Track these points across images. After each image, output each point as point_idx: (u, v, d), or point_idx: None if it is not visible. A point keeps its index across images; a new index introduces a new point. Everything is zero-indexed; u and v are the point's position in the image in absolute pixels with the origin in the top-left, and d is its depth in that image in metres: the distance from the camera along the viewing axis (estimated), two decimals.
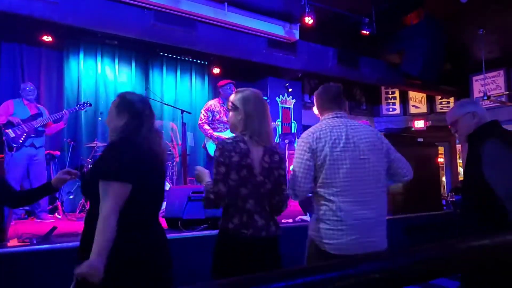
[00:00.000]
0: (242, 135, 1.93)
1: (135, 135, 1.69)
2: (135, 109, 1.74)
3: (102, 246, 1.47)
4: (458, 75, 9.86)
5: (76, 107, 5.16)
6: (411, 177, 2.14)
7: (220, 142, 1.92)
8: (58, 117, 4.88)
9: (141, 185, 1.63)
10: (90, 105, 5.24)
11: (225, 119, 5.42)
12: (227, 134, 5.44)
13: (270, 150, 1.95)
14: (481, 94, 9.31)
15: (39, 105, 4.99)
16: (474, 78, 10.03)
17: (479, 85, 9.83)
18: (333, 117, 2.10)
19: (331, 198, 1.93)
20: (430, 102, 10.58)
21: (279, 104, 7.69)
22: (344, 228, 1.91)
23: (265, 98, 7.29)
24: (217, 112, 5.19)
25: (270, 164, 1.92)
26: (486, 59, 8.67)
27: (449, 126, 2.31)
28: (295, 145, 6.62)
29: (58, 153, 5.63)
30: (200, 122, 5.16)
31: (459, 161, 10.62)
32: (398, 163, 2.11)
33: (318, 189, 1.99)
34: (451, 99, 10.32)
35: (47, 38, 5.88)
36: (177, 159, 6.13)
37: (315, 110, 2.25)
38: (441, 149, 9.34)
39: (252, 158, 1.89)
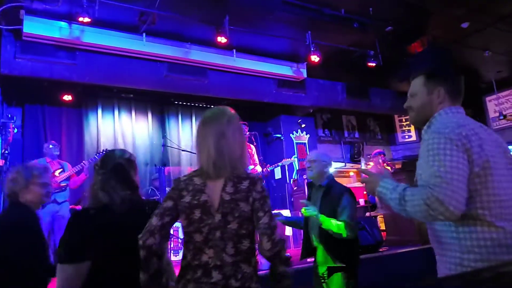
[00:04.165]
0: (200, 169, 1.53)
1: (98, 199, 1.67)
2: (101, 166, 1.75)
3: None
4: (471, 97, 9.81)
5: (95, 155, 5.30)
6: None
7: (174, 180, 1.57)
8: (79, 168, 5.03)
9: (106, 257, 1.58)
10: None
11: None
12: None
13: (236, 176, 1.47)
14: (497, 114, 9.23)
15: (60, 161, 5.18)
16: (487, 98, 9.97)
17: (493, 105, 9.76)
18: (461, 113, 1.55)
19: (501, 224, 1.32)
20: None
21: (294, 140, 7.75)
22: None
23: (279, 135, 7.46)
24: None
25: (233, 195, 1.43)
26: (497, 79, 8.67)
27: (306, 161, 2.84)
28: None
29: (80, 207, 5.71)
30: None
31: None
32: None
33: (477, 211, 1.35)
34: None
35: (67, 97, 6.17)
36: None
37: (419, 95, 1.61)
38: None
39: (210, 193, 1.45)
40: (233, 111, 1.61)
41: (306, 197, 3.08)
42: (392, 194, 1.41)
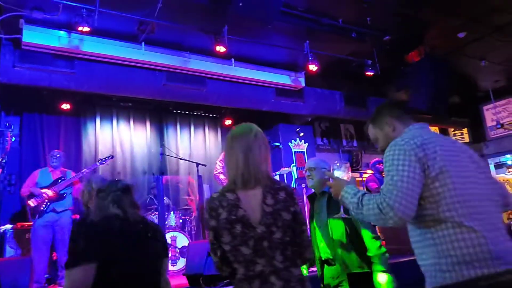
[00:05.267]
0: (230, 182, 1.60)
1: (99, 211, 1.81)
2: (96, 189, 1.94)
3: None
4: (468, 106, 9.88)
5: (97, 162, 5.35)
6: None
7: (207, 200, 1.61)
8: (79, 176, 5.01)
9: (110, 260, 1.64)
10: (112, 157, 5.51)
11: None
12: None
13: (272, 188, 1.56)
14: (494, 123, 9.27)
15: (64, 169, 5.14)
16: (485, 107, 10.02)
17: (490, 114, 9.81)
18: (420, 128, 1.70)
19: (470, 224, 1.40)
20: (444, 134, 10.54)
21: (292, 149, 7.75)
22: (504, 269, 1.37)
23: (277, 144, 7.46)
24: None
25: (274, 206, 1.51)
26: (493, 88, 8.73)
27: (305, 170, 2.78)
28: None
29: (77, 216, 5.67)
30: (215, 172, 5.25)
31: None
32: None
33: (444, 214, 1.43)
34: (464, 130, 10.26)
35: (65, 106, 6.17)
36: (195, 213, 6.12)
37: (377, 136, 1.89)
38: None
39: (246, 207, 1.51)
40: (259, 128, 1.71)
41: (305, 206, 3.01)
42: (353, 199, 1.58)
